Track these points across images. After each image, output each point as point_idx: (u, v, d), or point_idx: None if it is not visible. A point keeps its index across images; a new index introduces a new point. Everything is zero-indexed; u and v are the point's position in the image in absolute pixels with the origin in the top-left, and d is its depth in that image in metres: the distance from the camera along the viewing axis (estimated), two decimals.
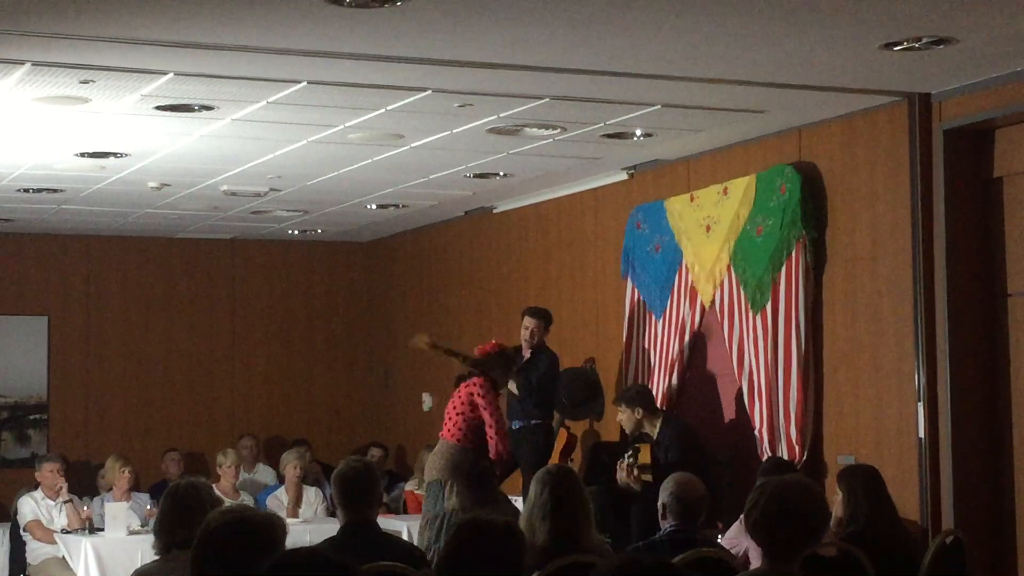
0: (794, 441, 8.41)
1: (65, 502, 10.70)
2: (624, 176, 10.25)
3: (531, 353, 9.96)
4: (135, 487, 11.32)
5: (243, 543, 3.96)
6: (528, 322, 9.98)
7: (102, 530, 10.02)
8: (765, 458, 8.35)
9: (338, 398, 14.27)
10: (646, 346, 9.81)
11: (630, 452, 8.86)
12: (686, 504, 6.12)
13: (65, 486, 10.80)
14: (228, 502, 8.41)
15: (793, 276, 8.53)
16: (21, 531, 10.90)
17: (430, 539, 8.71)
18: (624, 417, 9.01)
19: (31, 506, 10.83)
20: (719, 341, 9.14)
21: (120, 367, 13.54)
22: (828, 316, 8.46)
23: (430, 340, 9.80)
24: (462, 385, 9.20)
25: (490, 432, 8.98)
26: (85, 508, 10.48)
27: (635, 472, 8.73)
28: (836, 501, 6.79)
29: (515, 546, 4.30)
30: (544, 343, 10.00)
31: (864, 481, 6.71)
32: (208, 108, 7.81)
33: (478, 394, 9.03)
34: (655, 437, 8.93)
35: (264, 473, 12.70)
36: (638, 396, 9.08)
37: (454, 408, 9.11)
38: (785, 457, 8.36)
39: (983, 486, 7.73)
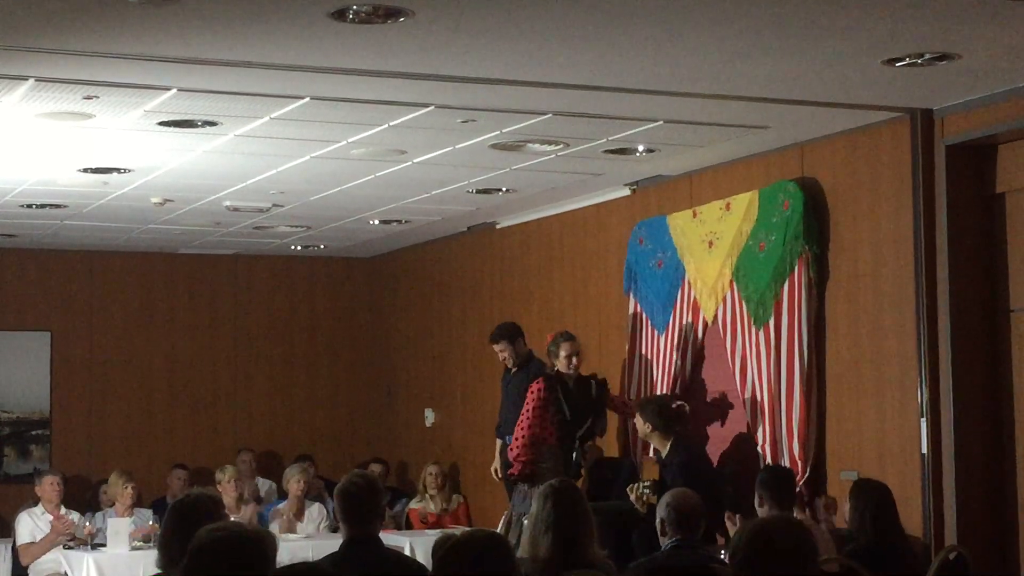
0: (797, 457, 8.40)
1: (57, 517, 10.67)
2: (626, 192, 10.25)
3: (517, 368, 10.06)
4: (138, 503, 11.31)
5: (232, 560, 3.91)
6: (495, 348, 10.09)
7: (104, 545, 10.01)
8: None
9: (341, 414, 14.25)
10: (649, 362, 9.80)
11: (648, 484, 8.68)
12: (683, 515, 6.19)
13: (57, 502, 10.79)
14: (232, 517, 8.40)
15: (796, 292, 8.52)
16: None
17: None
18: (638, 424, 9.01)
19: (28, 526, 10.77)
20: (722, 357, 9.13)
21: (122, 383, 13.53)
22: (831, 332, 8.45)
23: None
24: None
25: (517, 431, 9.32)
26: (87, 524, 10.46)
27: (644, 498, 8.64)
28: (844, 509, 6.81)
29: (501, 555, 4.24)
30: (528, 354, 10.07)
31: (876, 502, 6.72)
32: (211, 124, 7.83)
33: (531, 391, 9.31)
34: (663, 457, 8.89)
35: (262, 487, 12.67)
36: (653, 413, 8.96)
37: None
38: None
39: (986, 502, 7.71)
